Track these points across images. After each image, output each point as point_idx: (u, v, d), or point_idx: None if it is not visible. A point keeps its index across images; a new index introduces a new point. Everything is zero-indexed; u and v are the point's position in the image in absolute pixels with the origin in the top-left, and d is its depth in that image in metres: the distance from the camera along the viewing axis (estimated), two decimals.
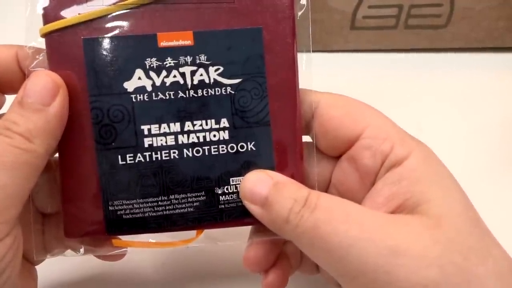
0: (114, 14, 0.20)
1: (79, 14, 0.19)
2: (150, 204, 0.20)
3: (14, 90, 0.21)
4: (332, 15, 0.38)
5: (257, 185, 0.20)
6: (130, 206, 0.20)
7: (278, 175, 0.20)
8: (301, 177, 0.21)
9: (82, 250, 0.21)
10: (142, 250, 0.26)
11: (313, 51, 0.38)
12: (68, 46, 0.19)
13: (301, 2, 0.22)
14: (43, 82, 0.19)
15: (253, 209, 0.20)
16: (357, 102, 0.22)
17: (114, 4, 0.19)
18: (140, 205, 0.20)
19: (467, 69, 0.40)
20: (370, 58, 0.41)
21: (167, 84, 0.20)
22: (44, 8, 0.20)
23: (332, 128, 0.21)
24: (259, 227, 0.21)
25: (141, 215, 0.20)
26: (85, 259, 0.23)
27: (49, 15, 0.20)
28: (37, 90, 0.18)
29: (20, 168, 0.17)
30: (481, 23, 0.39)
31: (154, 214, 0.20)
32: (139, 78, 0.20)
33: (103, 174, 0.20)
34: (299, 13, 0.22)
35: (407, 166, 0.20)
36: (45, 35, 0.20)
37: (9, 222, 0.18)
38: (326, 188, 0.23)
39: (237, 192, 0.21)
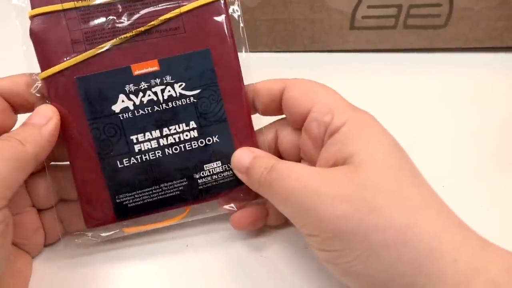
0: (95, 55, 0.25)
1: (67, 59, 0.25)
2: (146, 193, 0.27)
3: (25, 110, 0.26)
4: (331, 15, 0.39)
5: (242, 158, 0.26)
6: (132, 197, 0.27)
7: (257, 150, 0.27)
8: None
9: (102, 235, 0.27)
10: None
11: (313, 51, 0.41)
12: (64, 85, 0.25)
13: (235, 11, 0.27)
14: (43, 111, 0.25)
15: (240, 175, 0.26)
16: (313, 83, 0.27)
17: (93, 48, 0.25)
18: (140, 195, 0.27)
19: (466, 69, 0.40)
20: (369, 58, 0.41)
21: (145, 102, 0.26)
22: (39, 58, 0.25)
23: (291, 105, 0.27)
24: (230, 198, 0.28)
25: (141, 202, 0.27)
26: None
27: (43, 63, 0.25)
28: (37, 115, 0.25)
29: (13, 160, 0.23)
30: (480, 23, 0.39)
31: (151, 199, 0.27)
32: (123, 101, 0.26)
33: (107, 177, 0.26)
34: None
35: (342, 131, 0.24)
36: (44, 79, 0.25)
37: (2, 199, 0.22)
38: (297, 153, 0.28)
39: (211, 175, 0.27)
